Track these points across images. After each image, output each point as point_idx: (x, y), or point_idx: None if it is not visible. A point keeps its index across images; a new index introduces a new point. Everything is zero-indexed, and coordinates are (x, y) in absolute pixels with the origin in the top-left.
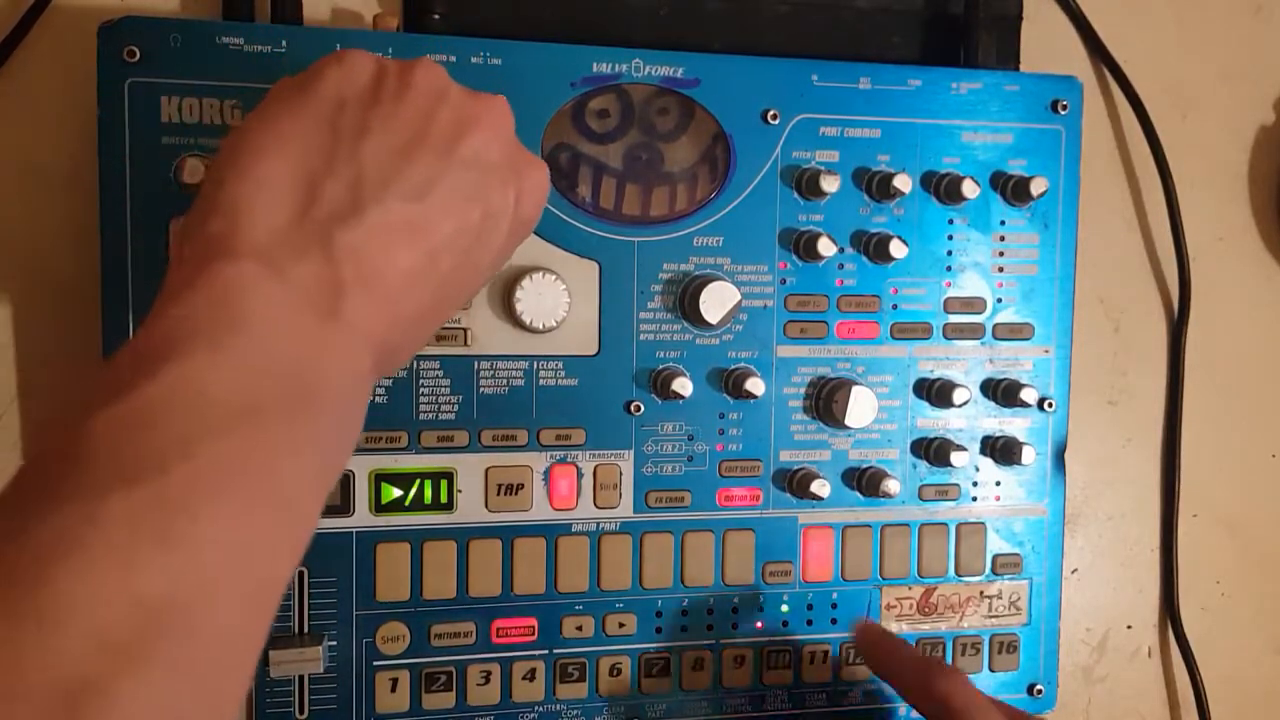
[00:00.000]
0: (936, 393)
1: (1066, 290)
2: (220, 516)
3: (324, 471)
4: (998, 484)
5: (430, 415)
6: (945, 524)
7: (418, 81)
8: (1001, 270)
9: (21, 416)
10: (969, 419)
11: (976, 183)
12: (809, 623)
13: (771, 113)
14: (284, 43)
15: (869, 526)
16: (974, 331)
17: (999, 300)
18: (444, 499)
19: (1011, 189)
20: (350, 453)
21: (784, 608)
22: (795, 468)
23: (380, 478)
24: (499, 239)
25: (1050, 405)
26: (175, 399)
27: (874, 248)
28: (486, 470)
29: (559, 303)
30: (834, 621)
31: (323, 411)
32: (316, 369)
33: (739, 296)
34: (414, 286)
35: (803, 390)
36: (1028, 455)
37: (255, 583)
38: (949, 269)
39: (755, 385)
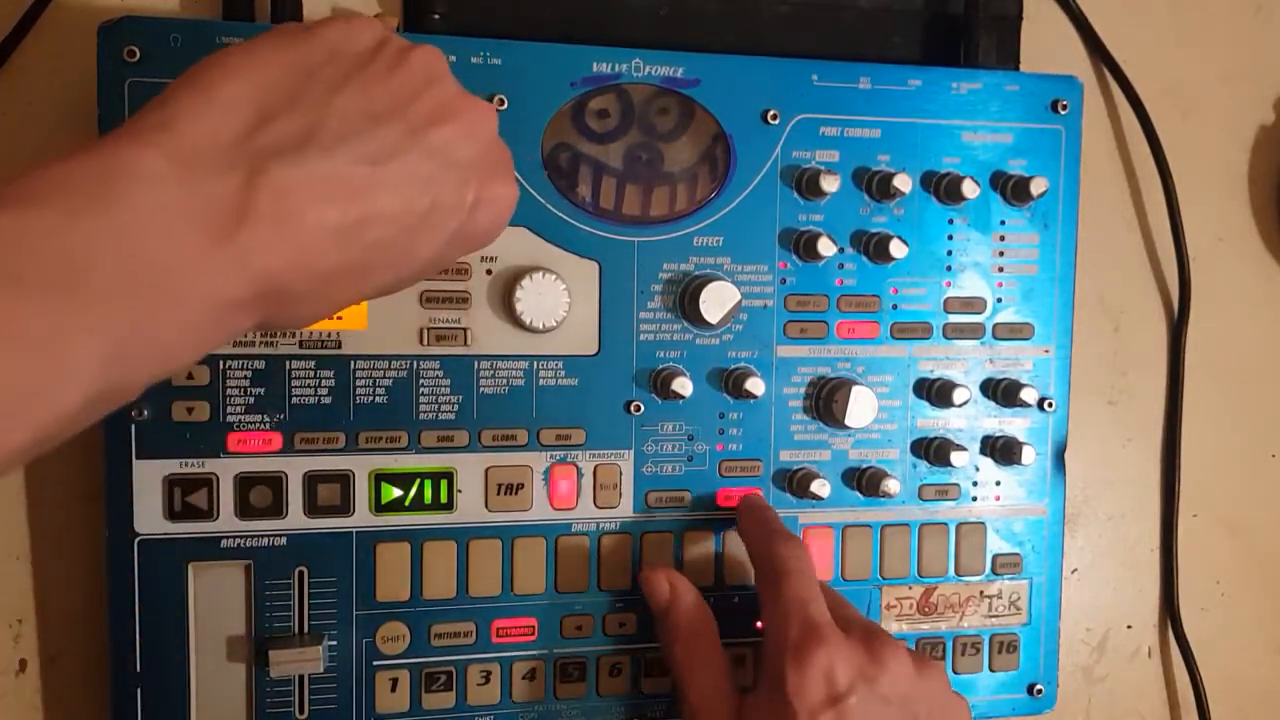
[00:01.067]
0: (936, 393)
1: (1066, 290)
2: None
3: (116, 380)
4: (998, 484)
5: (430, 415)
6: (945, 524)
7: (414, 61)
8: (1001, 270)
9: None
10: (969, 419)
11: (976, 183)
12: None
13: (771, 113)
14: None
15: (869, 526)
16: (974, 331)
17: (999, 300)
18: (444, 499)
19: (1011, 189)
20: (164, 375)
21: None
22: (795, 468)
23: (380, 478)
24: (441, 238)
25: (1050, 405)
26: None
27: (874, 248)
28: (486, 470)
29: (559, 303)
30: None
31: (159, 325)
32: (175, 281)
33: (739, 296)
34: (331, 246)
35: (803, 390)
36: (1028, 455)
37: None
38: (949, 269)
39: (755, 385)
